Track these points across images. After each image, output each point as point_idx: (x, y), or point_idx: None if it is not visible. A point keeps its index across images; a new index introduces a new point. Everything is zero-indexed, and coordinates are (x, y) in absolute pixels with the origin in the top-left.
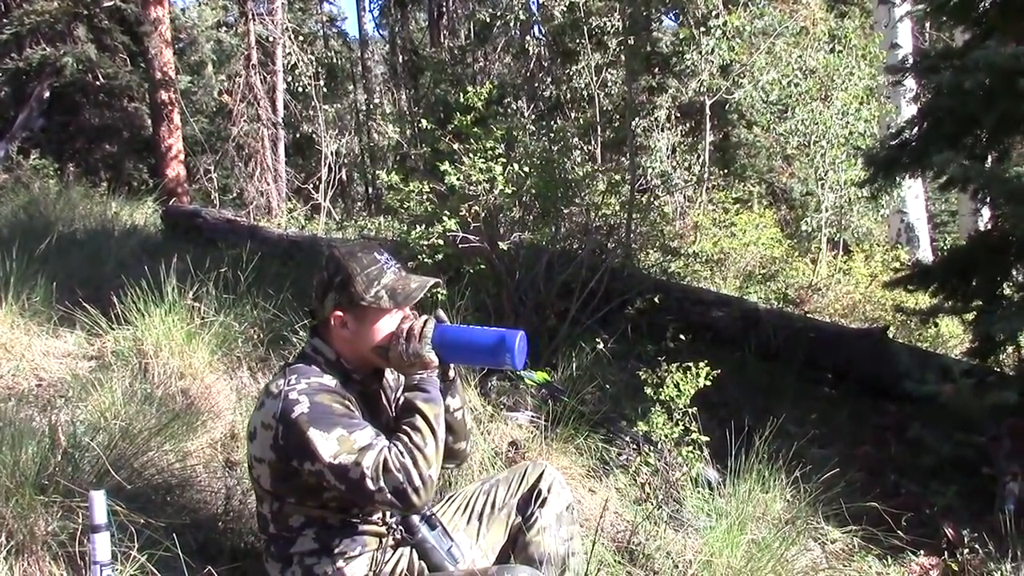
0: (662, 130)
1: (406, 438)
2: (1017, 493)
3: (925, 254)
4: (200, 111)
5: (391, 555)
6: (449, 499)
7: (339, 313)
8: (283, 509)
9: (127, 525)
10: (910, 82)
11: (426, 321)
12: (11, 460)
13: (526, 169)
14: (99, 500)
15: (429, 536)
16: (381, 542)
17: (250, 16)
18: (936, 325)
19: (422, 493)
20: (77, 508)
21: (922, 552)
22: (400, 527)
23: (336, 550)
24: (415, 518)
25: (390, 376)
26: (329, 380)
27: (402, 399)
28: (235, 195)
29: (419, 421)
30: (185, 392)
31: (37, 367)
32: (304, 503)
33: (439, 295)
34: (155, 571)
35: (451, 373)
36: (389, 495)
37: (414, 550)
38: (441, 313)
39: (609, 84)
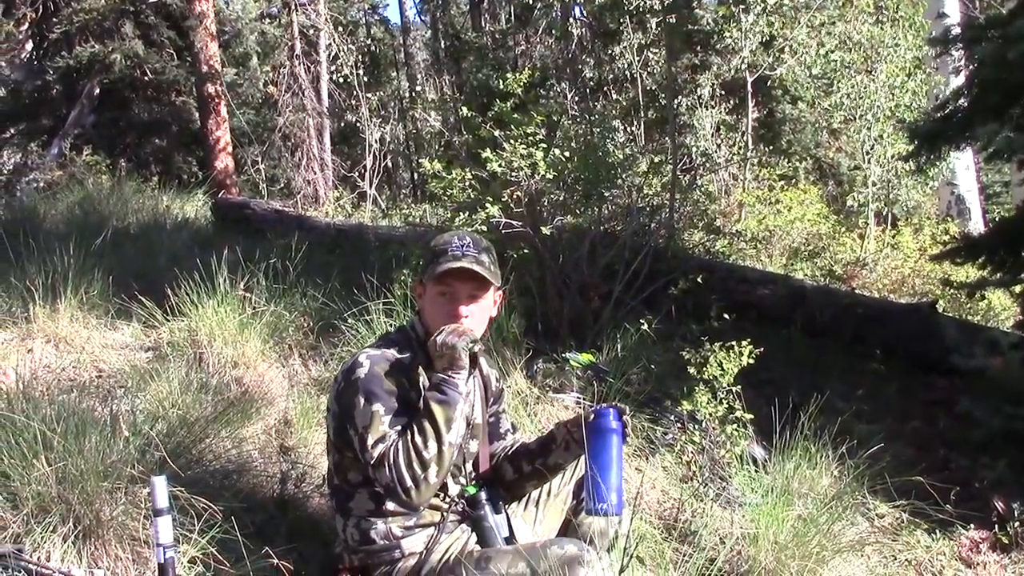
0: (706, 108)
1: (408, 438)
2: None
3: (976, 226)
4: (246, 103)
5: (449, 535)
6: None
7: (416, 286)
8: (343, 462)
9: (187, 509)
10: (957, 53)
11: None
12: (76, 448)
13: (567, 153)
14: (161, 485)
15: (491, 518)
16: (443, 515)
17: (293, 6)
18: (984, 298)
19: (413, 494)
20: (139, 493)
21: (972, 526)
22: (464, 500)
23: (391, 516)
24: (483, 495)
25: (486, 366)
26: (408, 357)
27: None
28: (282, 185)
29: (426, 424)
30: (239, 380)
31: (96, 359)
32: (359, 461)
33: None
34: (215, 553)
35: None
36: (383, 487)
37: (473, 531)
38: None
39: (651, 63)
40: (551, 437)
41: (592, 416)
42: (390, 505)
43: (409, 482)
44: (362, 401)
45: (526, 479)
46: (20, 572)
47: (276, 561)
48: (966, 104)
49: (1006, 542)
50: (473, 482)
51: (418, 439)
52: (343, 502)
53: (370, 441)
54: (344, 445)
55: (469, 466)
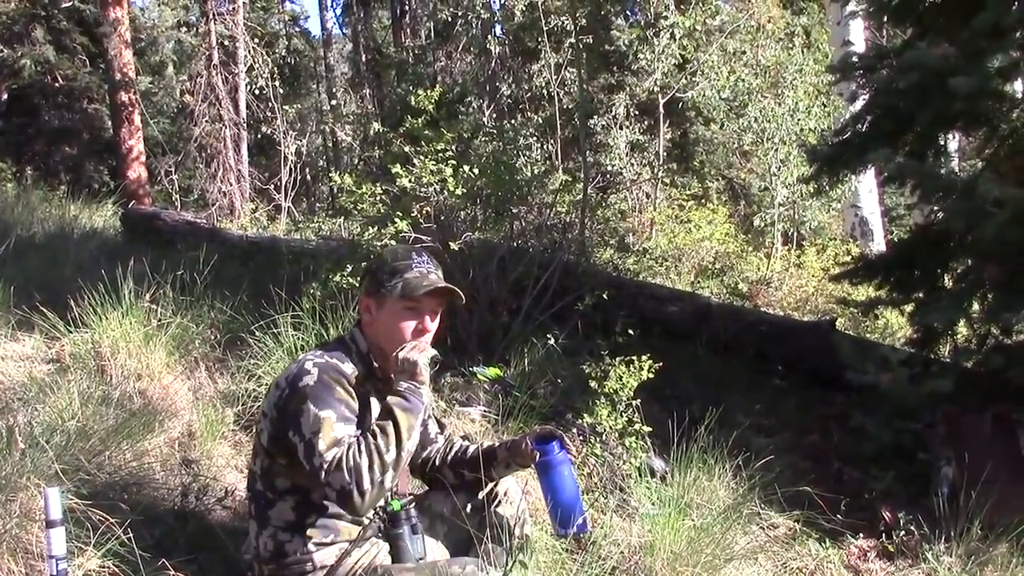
0: (620, 128)
1: (371, 438)
2: (951, 477)
3: (879, 247)
4: (161, 112)
5: (359, 549)
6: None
7: (365, 299)
8: (273, 468)
9: (83, 522)
10: (856, 80)
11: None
12: None
13: (477, 170)
14: (54, 496)
15: (408, 537)
16: (362, 531)
17: (211, 16)
18: (877, 317)
19: (367, 497)
20: (34, 506)
21: (860, 535)
22: (386, 515)
23: (309, 530)
24: (403, 514)
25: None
26: (349, 368)
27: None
28: (197, 196)
29: (389, 427)
30: (142, 393)
31: None
32: (293, 468)
33: None
34: (111, 565)
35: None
36: (335, 491)
37: (389, 546)
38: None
39: (568, 83)
40: (491, 453)
41: (538, 455)
42: (310, 519)
43: (367, 484)
44: (311, 408)
45: (465, 487)
46: None
47: (174, 573)
48: (863, 129)
49: (891, 550)
50: (395, 498)
51: (380, 442)
52: (263, 509)
53: (321, 446)
54: (280, 452)
55: (396, 481)
